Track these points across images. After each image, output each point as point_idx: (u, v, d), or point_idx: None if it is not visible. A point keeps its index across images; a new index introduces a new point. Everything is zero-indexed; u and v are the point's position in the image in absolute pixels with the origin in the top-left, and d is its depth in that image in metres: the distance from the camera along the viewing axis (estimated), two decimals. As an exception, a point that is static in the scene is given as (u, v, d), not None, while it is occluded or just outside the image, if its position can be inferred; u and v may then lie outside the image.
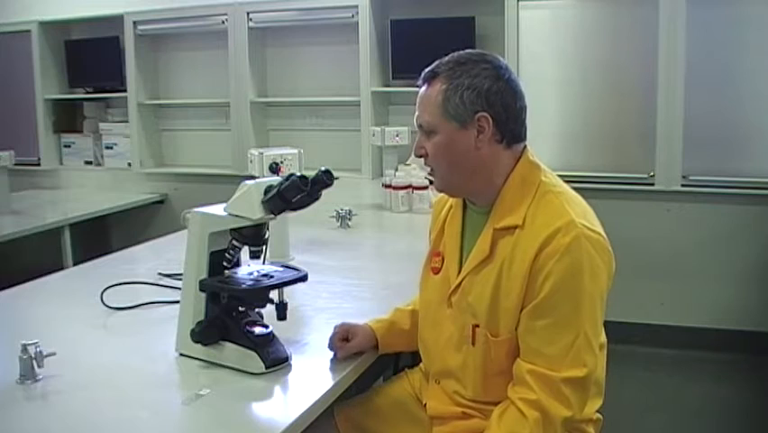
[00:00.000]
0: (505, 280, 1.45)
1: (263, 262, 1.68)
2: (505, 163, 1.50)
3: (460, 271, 1.55)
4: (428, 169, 1.57)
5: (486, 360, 1.49)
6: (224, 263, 1.63)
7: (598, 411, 1.58)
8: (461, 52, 1.52)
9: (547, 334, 1.39)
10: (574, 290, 1.38)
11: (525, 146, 1.53)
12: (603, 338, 1.54)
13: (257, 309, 1.64)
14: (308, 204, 1.62)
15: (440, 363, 1.59)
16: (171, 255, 2.47)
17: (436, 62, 1.53)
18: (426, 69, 1.53)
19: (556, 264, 1.38)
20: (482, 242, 1.50)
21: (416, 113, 1.53)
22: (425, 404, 1.66)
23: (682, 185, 3.91)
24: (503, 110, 1.46)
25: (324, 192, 1.63)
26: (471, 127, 1.46)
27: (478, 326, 1.49)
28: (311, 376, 1.57)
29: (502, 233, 1.47)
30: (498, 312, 1.46)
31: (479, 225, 1.53)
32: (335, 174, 1.63)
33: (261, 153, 2.41)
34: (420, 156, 1.55)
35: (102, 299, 2.02)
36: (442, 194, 1.65)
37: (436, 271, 1.62)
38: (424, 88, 1.52)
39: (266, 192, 1.55)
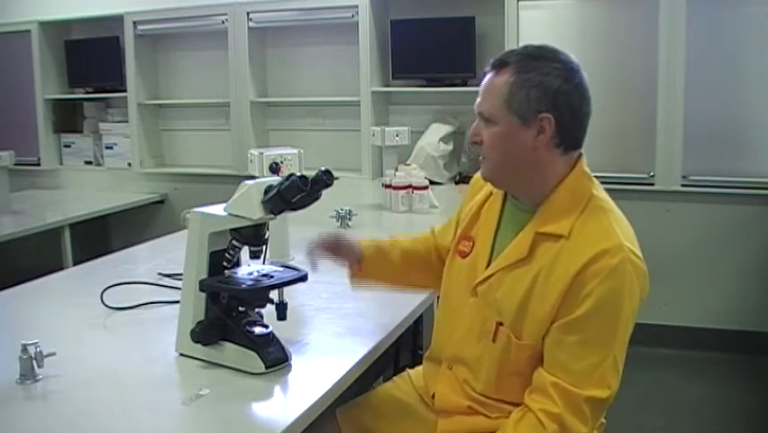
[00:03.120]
0: (540, 287, 1.42)
1: (263, 262, 1.68)
2: (558, 169, 1.47)
3: (489, 263, 1.53)
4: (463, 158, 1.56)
5: (504, 359, 1.48)
6: (224, 263, 1.63)
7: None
8: (535, 45, 1.47)
9: (577, 350, 1.38)
10: (612, 313, 1.38)
11: (580, 154, 1.51)
12: None
13: (257, 309, 1.64)
14: (308, 204, 1.62)
15: (455, 349, 1.59)
16: (171, 255, 2.47)
17: (507, 51, 1.48)
18: (496, 57, 1.48)
19: (599, 285, 1.36)
20: (521, 241, 1.48)
21: (478, 99, 1.49)
22: (433, 394, 1.64)
23: (682, 185, 3.91)
24: (568, 113, 1.43)
25: (324, 192, 1.63)
26: (532, 126, 1.42)
27: (501, 324, 1.48)
28: (311, 376, 1.57)
29: (544, 238, 1.45)
30: (525, 317, 1.44)
31: (518, 221, 1.51)
32: (335, 174, 1.63)
33: (261, 153, 2.41)
34: (474, 143, 1.52)
35: (102, 299, 2.02)
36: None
37: (464, 255, 1.60)
38: (490, 75, 1.47)
39: (266, 192, 1.55)
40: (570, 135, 1.46)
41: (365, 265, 1.72)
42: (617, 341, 1.39)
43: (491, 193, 1.62)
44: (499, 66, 1.46)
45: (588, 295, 1.37)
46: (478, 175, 1.66)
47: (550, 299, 1.40)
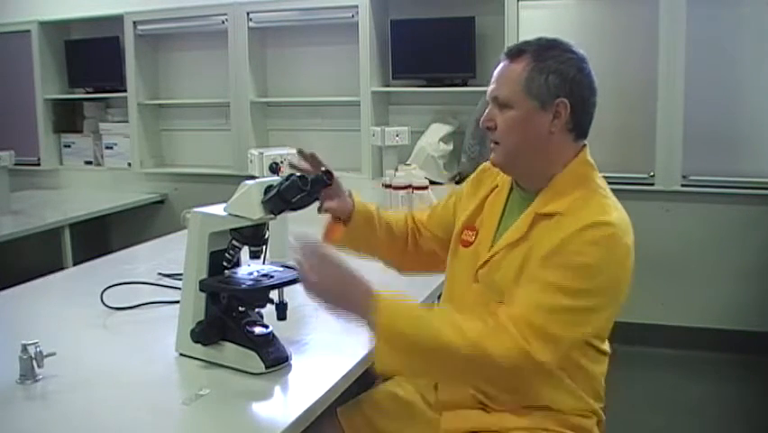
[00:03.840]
0: (532, 258, 1.44)
1: (263, 262, 1.68)
2: (567, 155, 1.52)
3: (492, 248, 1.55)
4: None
5: None
6: (224, 263, 1.63)
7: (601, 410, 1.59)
8: (548, 37, 1.54)
9: (545, 288, 1.38)
10: (589, 273, 1.38)
11: (585, 144, 1.55)
12: (605, 346, 1.56)
13: (257, 309, 1.64)
14: (308, 204, 1.62)
15: None
16: (171, 255, 2.47)
17: (522, 41, 1.53)
18: (511, 46, 1.53)
19: (584, 247, 1.38)
20: (521, 222, 1.51)
21: (493, 86, 1.53)
22: (436, 386, 1.64)
23: (682, 185, 3.91)
24: (580, 101, 1.49)
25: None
26: (549, 110, 1.47)
27: (502, 303, 1.48)
28: (311, 376, 1.57)
29: (543, 218, 1.48)
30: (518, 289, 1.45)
31: (521, 207, 1.55)
32: (335, 174, 1.62)
33: (261, 153, 2.41)
34: (488, 128, 1.54)
35: (102, 299, 2.02)
36: (487, 168, 1.68)
37: (467, 244, 1.62)
38: (506, 63, 1.52)
39: (266, 192, 1.55)
40: (580, 123, 1.51)
41: (349, 231, 1.71)
42: (588, 302, 1.38)
43: (497, 186, 1.64)
44: (516, 54, 1.51)
45: (570, 251, 1.39)
46: (485, 165, 1.70)
47: (536, 262, 1.42)
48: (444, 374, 1.48)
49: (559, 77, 1.46)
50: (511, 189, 1.61)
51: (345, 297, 1.41)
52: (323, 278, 1.41)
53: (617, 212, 1.46)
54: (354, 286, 1.41)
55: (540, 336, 1.35)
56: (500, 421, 1.53)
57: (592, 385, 1.55)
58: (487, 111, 1.54)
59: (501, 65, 1.53)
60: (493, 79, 1.53)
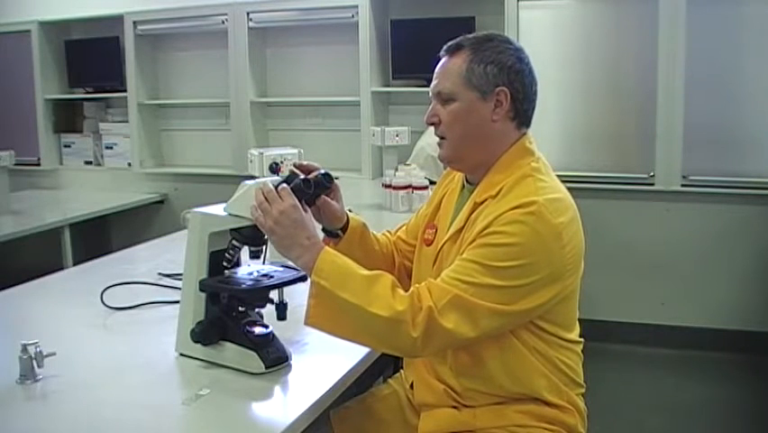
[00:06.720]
0: (464, 245, 1.47)
1: (263, 262, 1.68)
2: (509, 143, 1.54)
3: None
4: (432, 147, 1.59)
5: None
6: (224, 263, 1.63)
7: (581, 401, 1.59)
8: (485, 32, 1.58)
9: (467, 265, 1.40)
10: (508, 254, 1.38)
11: (525, 133, 1.57)
12: (572, 336, 1.55)
13: (257, 309, 1.64)
14: (309, 206, 1.62)
15: None
16: (171, 255, 2.48)
17: (460, 37, 1.57)
18: (450, 42, 1.56)
19: (504, 226, 1.40)
20: (463, 214, 1.55)
21: (435, 81, 1.56)
22: (412, 384, 1.65)
23: (682, 185, 3.91)
24: (521, 89, 1.52)
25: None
26: (490, 99, 1.51)
27: None
28: (311, 376, 1.57)
29: (479, 206, 1.51)
30: None
31: (468, 200, 1.58)
32: (335, 174, 1.62)
33: (261, 153, 2.42)
34: (432, 124, 1.58)
35: (102, 299, 2.02)
36: (447, 170, 1.73)
37: (429, 242, 1.66)
38: (446, 59, 1.56)
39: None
40: (522, 110, 1.54)
41: (344, 244, 1.70)
42: (510, 281, 1.38)
43: (453, 185, 1.69)
44: (455, 49, 1.55)
45: (493, 232, 1.41)
46: (445, 172, 1.76)
47: (466, 245, 1.45)
48: (363, 337, 1.47)
49: (497, 66, 1.50)
50: (463, 186, 1.64)
51: (293, 245, 1.46)
52: (279, 221, 1.46)
53: (550, 193, 1.46)
54: (303, 238, 1.46)
55: (453, 304, 1.37)
56: (475, 421, 1.53)
57: (565, 373, 1.54)
58: (430, 107, 1.58)
59: (441, 61, 1.57)
60: (435, 76, 1.57)
